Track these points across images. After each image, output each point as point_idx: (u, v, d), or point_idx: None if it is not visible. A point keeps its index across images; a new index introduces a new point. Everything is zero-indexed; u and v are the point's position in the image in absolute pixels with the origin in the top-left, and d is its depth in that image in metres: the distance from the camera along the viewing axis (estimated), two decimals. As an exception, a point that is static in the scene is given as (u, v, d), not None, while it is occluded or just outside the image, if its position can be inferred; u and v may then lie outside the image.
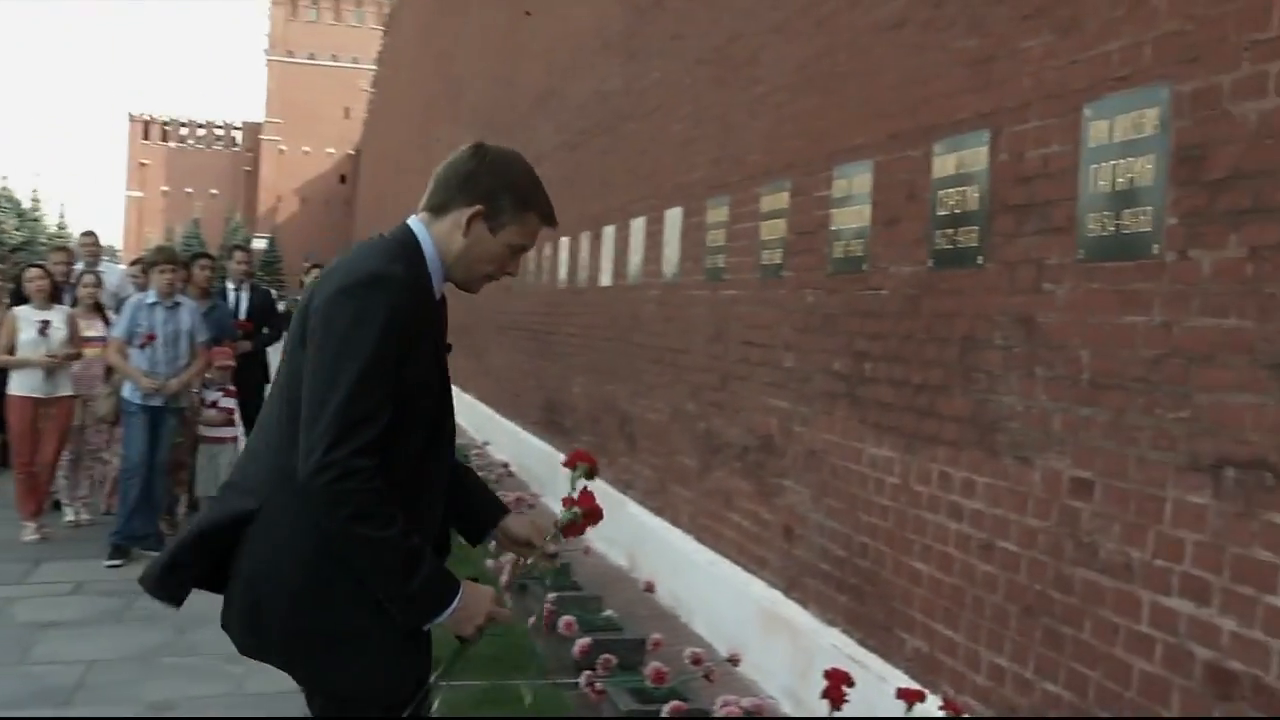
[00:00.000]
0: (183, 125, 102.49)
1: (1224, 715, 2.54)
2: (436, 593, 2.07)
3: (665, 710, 3.91)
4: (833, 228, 4.59)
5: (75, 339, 7.30)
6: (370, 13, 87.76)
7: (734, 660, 4.55)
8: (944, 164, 3.82)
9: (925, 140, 3.94)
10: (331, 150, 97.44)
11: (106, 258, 10.23)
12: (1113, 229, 2.99)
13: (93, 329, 7.56)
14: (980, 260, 3.58)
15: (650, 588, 6.03)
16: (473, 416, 13.12)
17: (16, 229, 71.03)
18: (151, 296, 6.91)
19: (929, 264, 3.88)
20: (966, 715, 3.12)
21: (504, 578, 5.21)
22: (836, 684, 3.00)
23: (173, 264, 6.98)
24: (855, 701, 3.09)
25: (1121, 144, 2.98)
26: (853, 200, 4.44)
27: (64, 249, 8.69)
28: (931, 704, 2.84)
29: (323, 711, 2.22)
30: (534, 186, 2.25)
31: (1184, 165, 2.78)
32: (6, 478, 8.01)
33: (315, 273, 9.32)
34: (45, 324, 7.16)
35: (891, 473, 4.04)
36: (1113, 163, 3.01)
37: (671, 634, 5.24)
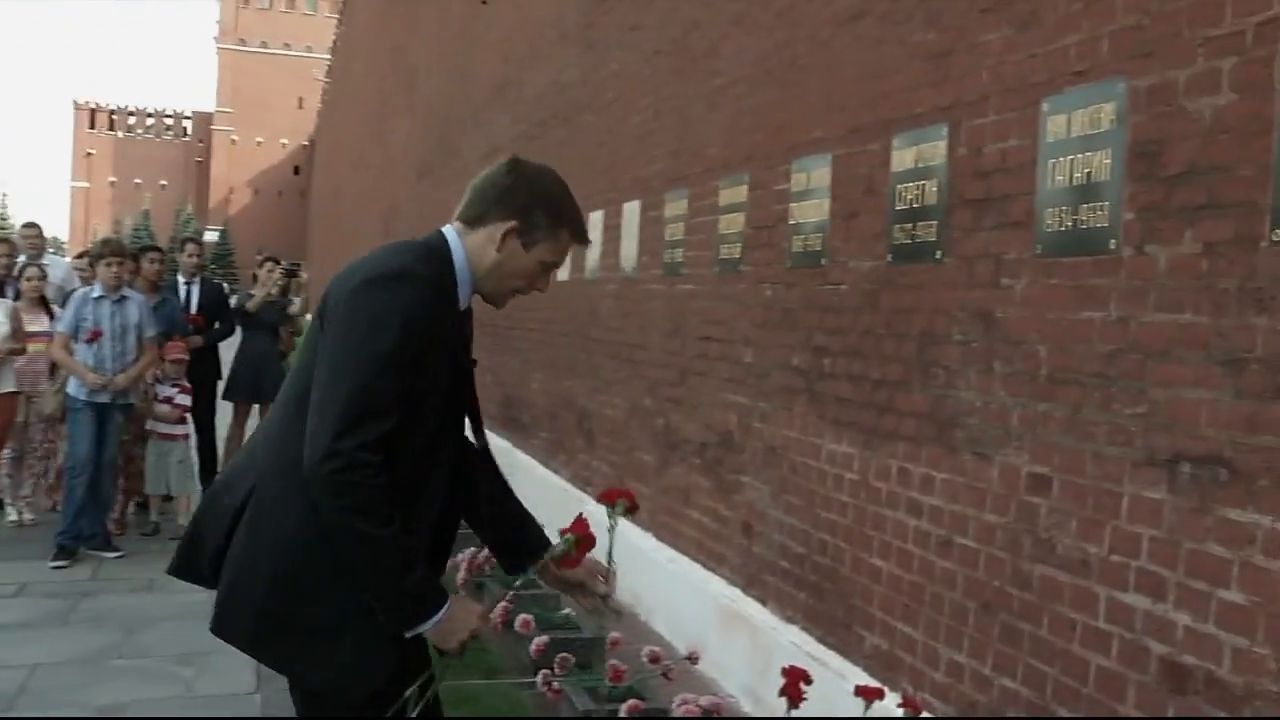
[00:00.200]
0: (130, 114, 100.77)
1: (1179, 714, 2.55)
2: (424, 600, 2.07)
3: (623, 709, 3.88)
4: (791, 222, 4.57)
5: (19, 334, 7.12)
6: (324, 1, 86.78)
7: (693, 658, 4.51)
8: (903, 158, 3.81)
9: (884, 134, 3.93)
10: (285, 141, 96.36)
11: (51, 250, 10.01)
12: (1070, 224, 2.99)
13: (37, 324, 7.37)
14: (939, 255, 3.57)
15: (608, 584, 5.97)
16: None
17: (-43, 221, 69.63)
18: (97, 290, 6.75)
19: (888, 259, 3.87)
20: (926, 714, 3.11)
21: (460, 575, 5.17)
22: (794, 682, 2.99)
23: (119, 256, 6.82)
24: (814, 699, 3.08)
25: (1079, 139, 2.98)
26: (812, 194, 4.42)
27: (6, 241, 8.47)
28: (890, 701, 2.83)
29: (303, 702, 2.22)
30: (568, 204, 2.26)
31: (1140, 160, 2.78)
32: (-52, 476, 7.82)
33: (269, 266, 9.17)
34: (-13, 319, 6.99)
35: (851, 469, 4.03)
36: (1070, 157, 3.01)
37: (630, 632, 5.21)
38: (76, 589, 6.02)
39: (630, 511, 2.43)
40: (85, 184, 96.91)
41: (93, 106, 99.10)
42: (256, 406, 9.13)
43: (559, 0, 8.72)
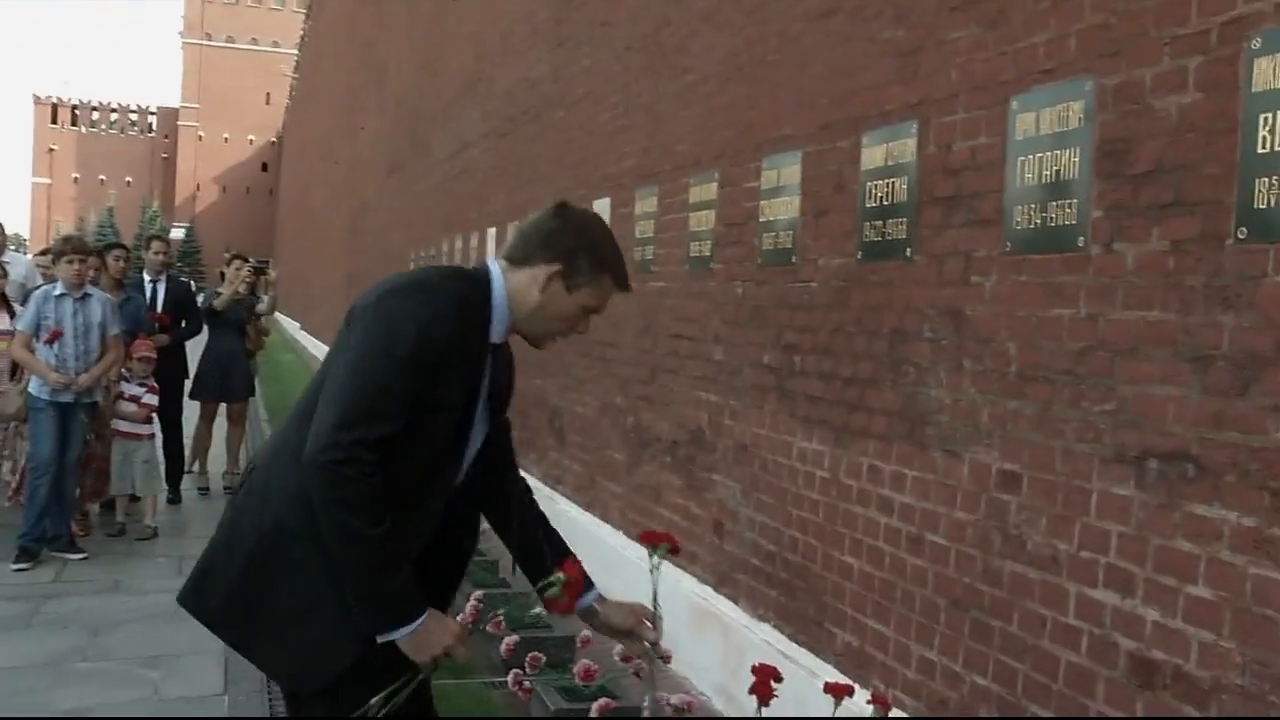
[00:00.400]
0: (94, 109, 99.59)
1: (1147, 709, 2.56)
2: (400, 606, 2.08)
3: (594, 708, 3.87)
4: (762, 219, 4.57)
5: (-21, 332, 7.02)
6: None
7: (665, 657, 4.50)
8: (872, 155, 3.81)
9: (854, 131, 3.93)
10: (253, 137, 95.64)
11: (12, 247, 9.85)
12: (1039, 222, 3.00)
13: (-1, 322, 7.27)
14: (909, 252, 3.57)
15: (580, 582, 5.95)
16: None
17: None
18: (59, 288, 6.66)
19: (858, 256, 3.87)
20: (897, 711, 3.12)
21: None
22: (764, 680, 2.97)
23: (80, 254, 6.71)
24: (785, 697, 3.07)
25: (1048, 136, 2.99)
26: (782, 191, 4.42)
27: (-34, 238, 8.31)
28: (860, 698, 2.82)
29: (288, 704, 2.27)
30: (612, 250, 2.29)
31: (1108, 158, 2.79)
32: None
33: (236, 264, 9.08)
34: (-54, 318, 6.88)
35: (821, 466, 4.03)
36: (1039, 155, 3.02)
37: (601, 629, 5.19)
38: (39, 591, 5.94)
39: (673, 553, 2.46)
40: (47, 180, 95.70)
41: (54, 101, 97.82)
42: (224, 405, 9.06)
43: (529, -4, 8.68)
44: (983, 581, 3.14)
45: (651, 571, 2.46)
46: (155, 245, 8.76)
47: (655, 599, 2.45)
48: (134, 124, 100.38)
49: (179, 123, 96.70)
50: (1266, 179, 2.34)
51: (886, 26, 3.78)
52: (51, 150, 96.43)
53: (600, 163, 6.73)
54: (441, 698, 4.33)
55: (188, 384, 8.76)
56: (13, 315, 7.28)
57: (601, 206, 6.58)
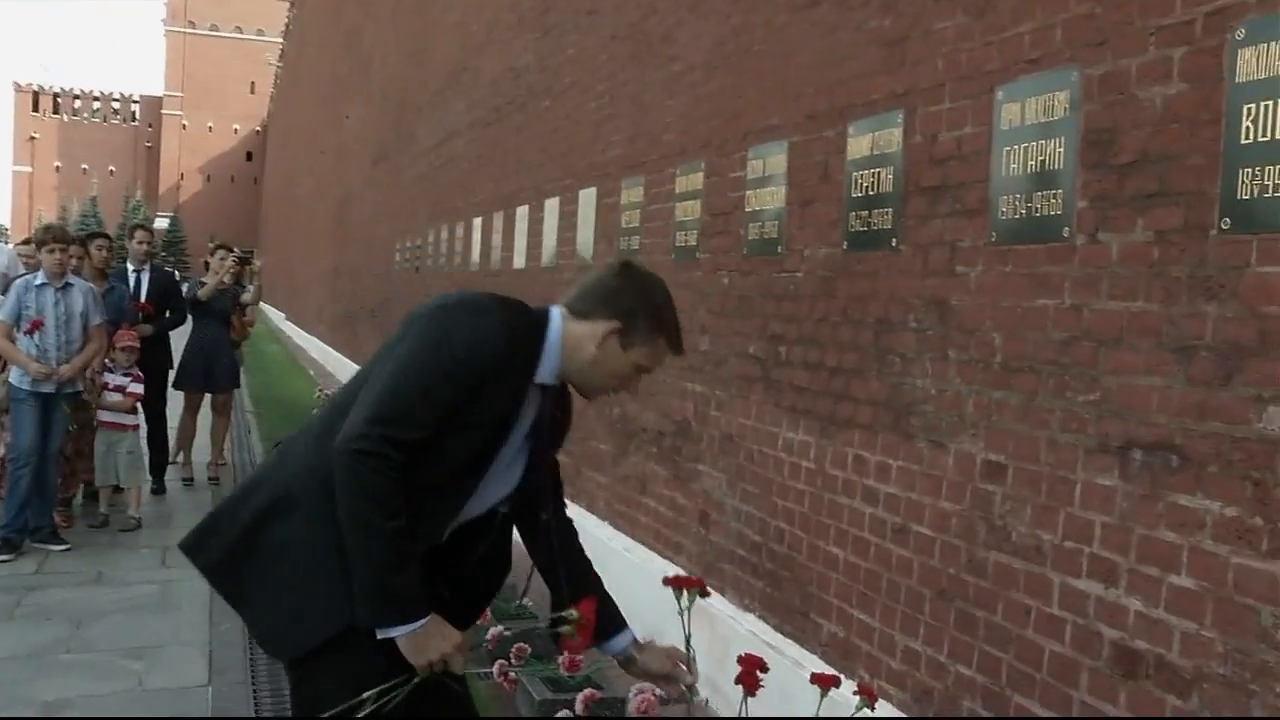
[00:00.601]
0: (76, 97, 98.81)
1: (1129, 699, 2.57)
2: (404, 603, 2.11)
3: (579, 699, 3.87)
4: (748, 209, 4.56)
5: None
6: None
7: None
8: (858, 145, 3.81)
9: (840, 121, 3.93)
10: (237, 126, 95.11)
11: (-6, 236, 9.78)
12: (1024, 212, 3.00)
13: (-22, 312, 7.20)
14: (894, 242, 3.57)
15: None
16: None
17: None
18: (40, 278, 6.60)
19: (844, 246, 3.87)
20: (889, 713, 3.12)
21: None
22: (750, 670, 2.97)
23: (62, 242, 6.65)
24: (771, 687, 3.07)
25: (1033, 126, 2.99)
26: (768, 181, 4.41)
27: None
28: (846, 689, 2.83)
29: (294, 690, 2.30)
30: (670, 314, 2.34)
31: (1093, 149, 2.79)
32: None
33: (221, 253, 9.02)
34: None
35: (807, 457, 4.03)
36: (1024, 145, 3.02)
37: (587, 619, 5.19)
38: (22, 583, 5.90)
39: (702, 596, 2.55)
40: (28, 169, 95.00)
41: (35, 88, 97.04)
42: (209, 396, 9.01)
43: (514, -15, 8.65)
44: (967, 572, 3.14)
45: (680, 614, 2.51)
46: (139, 234, 8.70)
47: (688, 642, 2.50)
48: (117, 112, 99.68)
49: (163, 111, 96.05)
50: (1250, 170, 2.34)
51: (872, 16, 3.77)
52: (33, 139, 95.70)
53: (586, 152, 6.71)
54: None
55: (172, 374, 8.72)
56: (-5, 305, 7.23)
57: (587, 196, 6.56)
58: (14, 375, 6.51)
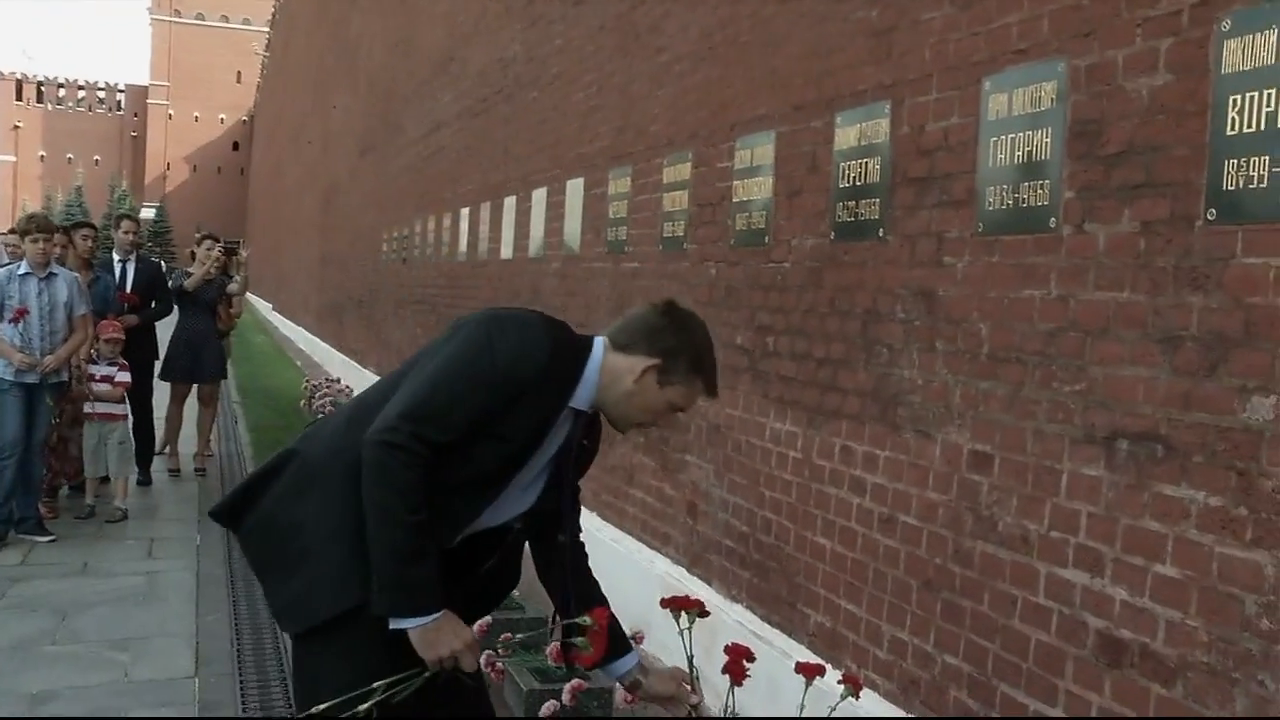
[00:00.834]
0: (60, 86, 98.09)
1: (1114, 687, 2.58)
2: (418, 596, 2.13)
3: (566, 689, 3.87)
4: (735, 200, 4.55)
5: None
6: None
7: (638, 638, 4.50)
8: (846, 135, 3.80)
9: (827, 111, 3.92)
10: (224, 116, 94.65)
11: (-22, 227, 9.72)
12: (1011, 202, 3.00)
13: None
14: (881, 233, 3.57)
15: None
16: (372, 390, 12.87)
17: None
18: (24, 267, 6.56)
19: (831, 236, 3.87)
20: (881, 717, 3.12)
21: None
22: (737, 659, 2.98)
23: (45, 232, 6.60)
24: (758, 677, 3.08)
25: (1020, 117, 2.99)
26: (755, 172, 4.40)
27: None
28: (832, 678, 2.84)
29: (295, 668, 2.37)
30: (710, 357, 2.38)
31: (1080, 139, 2.79)
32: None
33: (207, 244, 8.97)
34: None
35: (794, 447, 4.04)
36: (1011, 136, 3.02)
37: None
38: (7, 574, 5.87)
39: (702, 616, 2.65)
40: (12, 158, 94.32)
41: (19, 77, 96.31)
42: (196, 387, 8.97)
43: (502, -26, 8.61)
44: (954, 562, 3.15)
45: (680, 634, 2.56)
46: (125, 224, 8.65)
47: (691, 662, 2.56)
48: (102, 102, 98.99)
49: (148, 101, 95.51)
50: (1235, 161, 2.35)
51: (860, 6, 3.77)
52: (16, 127, 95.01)
53: (574, 143, 6.69)
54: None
55: (158, 365, 8.68)
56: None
57: (575, 186, 6.55)
58: (-2, 366, 6.46)
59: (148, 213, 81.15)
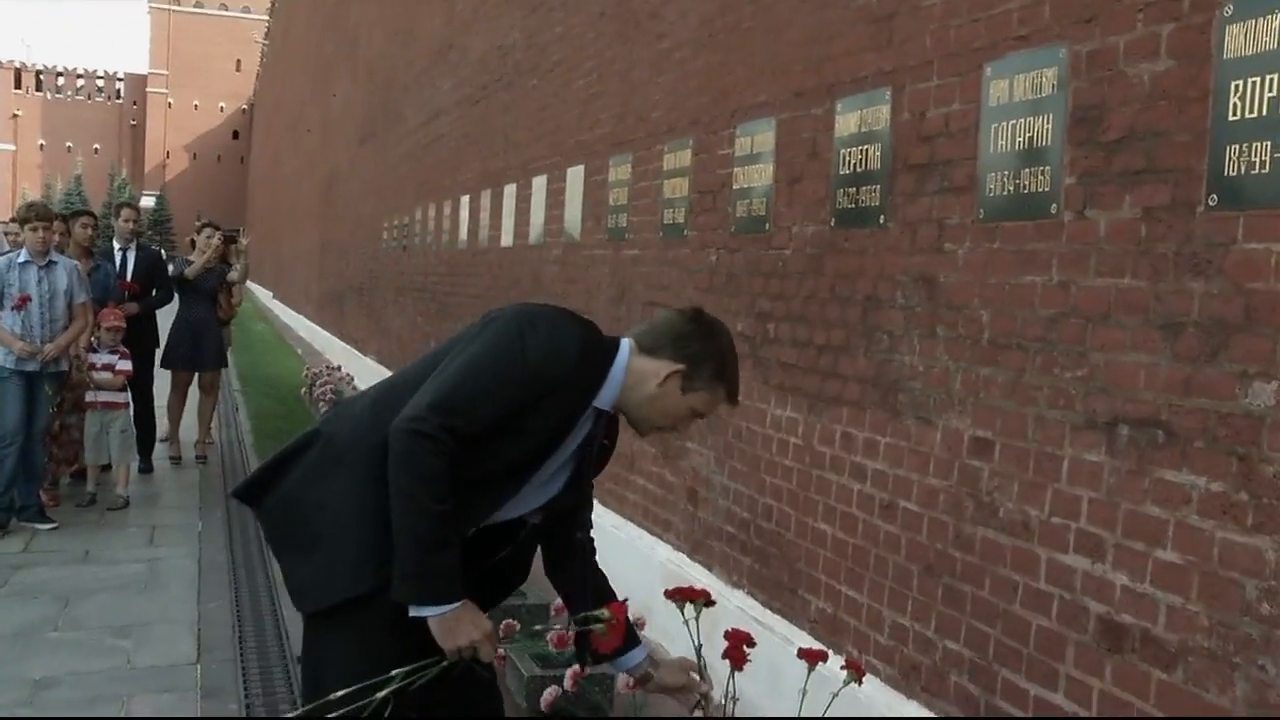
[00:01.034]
0: (59, 74, 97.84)
1: (1115, 672, 2.59)
2: (439, 584, 2.15)
3: (568, 675, 3.88)
4: (736, 186, 4.55)
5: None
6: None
7: (639, 624, 4.52)
8: (846, 122, 3.80)
9: (828, 98, 3.92)
10: (223, 105, 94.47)
11: (-22, 215, 9.72)
12: (1012, 189, 3.00)
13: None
14: (882, 220, 3.57)
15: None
16: (372, 379, 12.88)
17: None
18: (23, 255, 6.56)
19: (831, 223, 3.86)
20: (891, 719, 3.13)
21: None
22: (737, 645, 2.99)
23: (44, 220, 6.60)
24: (759, 663, 3.09)
25: (1021, 103, 2.99)
26: (756, 158, 4.40)
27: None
28: (834, 664, 2.85)
29: (304, 645, 2.37)
30: (734, 367, 2.40)
31: (1081, 126, 2.79)
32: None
33: (207, 231, 8.96)
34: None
35: (795, 434, 4.04)
36: (1012, 122, 3.01)
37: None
38: (9, 561, 5.88)
39: (709, 605, 2.67)
40: (11, 147, 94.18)
41: (18, 66, 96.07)
42: (197, 375, 8.98)
43: (501, -39, 8.58)
44: (955, 547, 3.16)
45: (686, 624, 2.59)
46: (125, 212, 8.65)
47: (698, 652, 2.58)
48: (101, 90, 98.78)
49: (148, 89, 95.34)
50: (1237, 146, 2.34)
51: (861, -8, 3.75)
52: (15, 116, 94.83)
53: (574, 130, 6.68)
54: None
55: (159, 353, 8.68)
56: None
57: (575, 174, 6.54)
58: (-2, 354, 6.46)
59: (148, 201, 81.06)
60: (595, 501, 6.07)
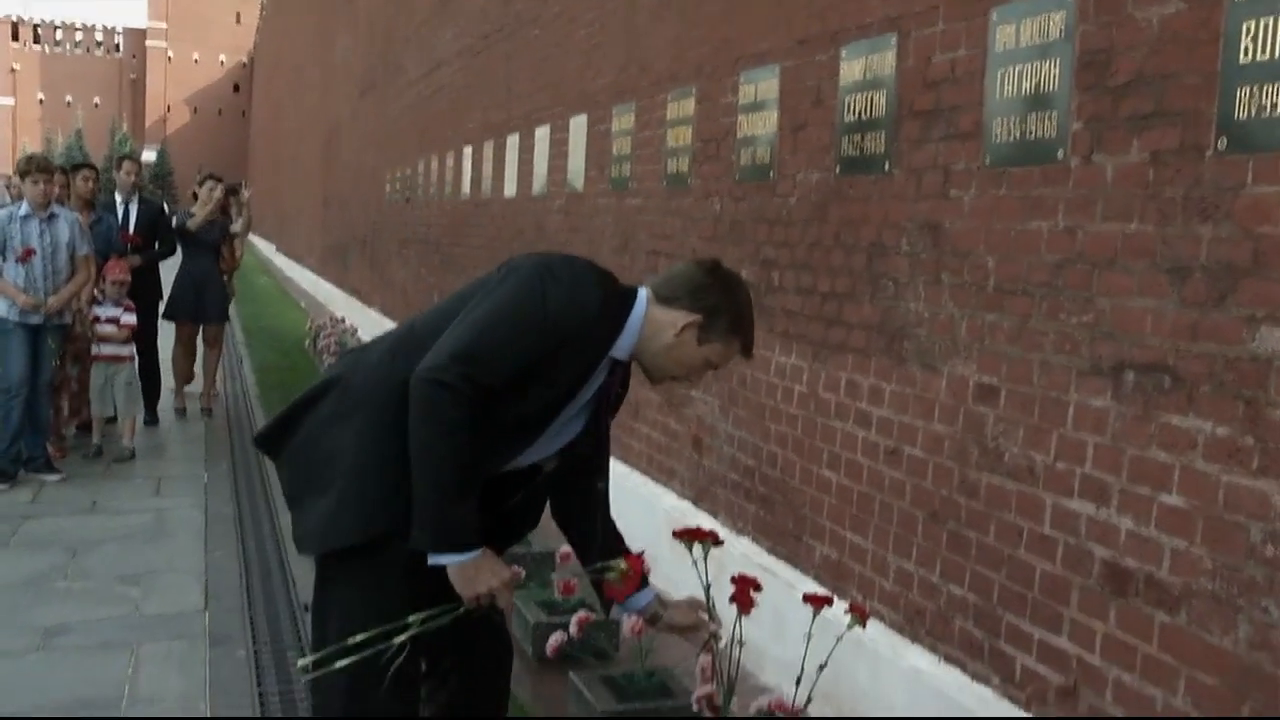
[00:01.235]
0: (57, 28, 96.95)
1: (1119, 614, 2.61)
2: (458, 534, 2.16)
3: (573, 621, 3.91)
4: (740, 135, 4.51)
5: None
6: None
7: (645, 571, 4.55)
8: (851, 69, 3.76)
9: (832, 45, 3.87)
10: (224, 58, 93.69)
11: (-22, 169, 9.67)
12: (1019, 134, 2.97)
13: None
14: (887, 167, 3.54)
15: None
16: (375, 330, 12.88)
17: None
18: (25, 208, 6.54)
19: (836, 171, 3.84)
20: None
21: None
22: (744, 590, 3.01)
23: (45, 173, 6.57)
24: (765, 609, 3.11)
25: (1028, 48, 2.95)
26: (759, 107, 4.36)
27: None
28: (838, 609, 2.87)
29: (315, 594, 2.36)
30: (749, 319, 2.41)
31: (1088, 70, 2.76)
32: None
33: (210, 184, 8.92)
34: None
35: (800, 381, 4.04)
36: (1019, 67, 2.98)
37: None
38: (17, 512, 5.93)
39: (716, 545, 2.71)
40: (10, 100, 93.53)
41: (15, 19, 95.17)
42: (201, 328, 8.98)
43: (502, -93, 8.46)
44: (960, 493, 3.17)
45: (695, 564, 2.62)
46: (125, 165, 8.62)
47: (707, 592, 2.62)
48: (100, 44, 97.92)
49: (147, 43, 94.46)
50: (1248, 89, 2.32)
51: (868, -65, 3.70)
52: (14, 70, 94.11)
53: (577, 80, 6.62)
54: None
55: (162, 306, 8.69)
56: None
57: (578, 124, 6.49)
58: (1, 307, 6.45)
59: (149, 155, 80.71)
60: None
